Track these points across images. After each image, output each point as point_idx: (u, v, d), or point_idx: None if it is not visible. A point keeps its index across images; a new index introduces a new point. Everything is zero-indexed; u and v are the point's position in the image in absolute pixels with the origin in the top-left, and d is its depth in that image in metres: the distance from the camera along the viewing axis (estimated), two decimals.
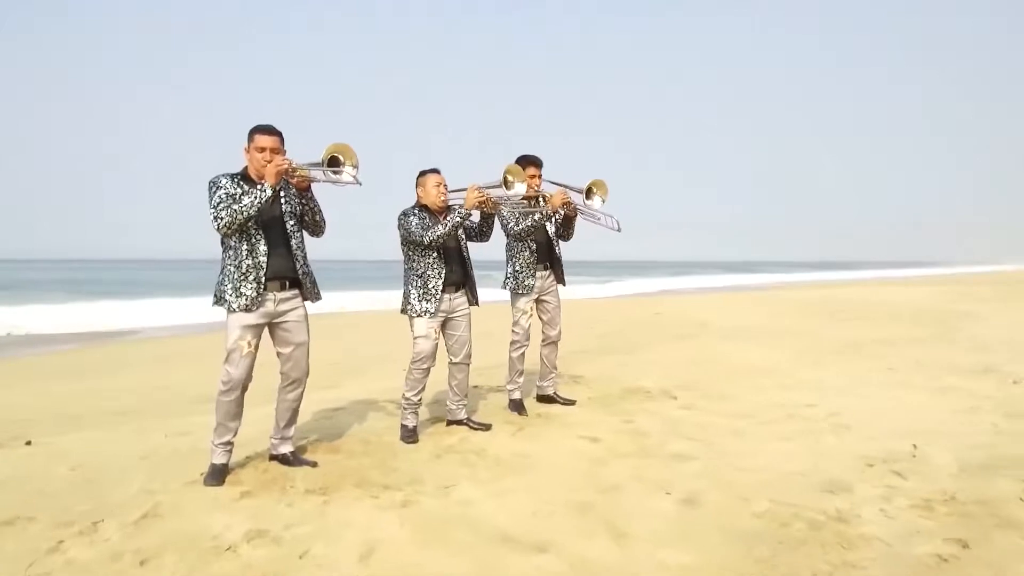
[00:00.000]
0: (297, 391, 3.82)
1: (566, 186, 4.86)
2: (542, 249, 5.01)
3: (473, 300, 4.51)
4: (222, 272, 3.58)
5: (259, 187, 3.44)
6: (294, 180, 3.60)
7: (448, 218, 4.19)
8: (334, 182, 3.55)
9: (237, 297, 3.52)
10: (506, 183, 4.35)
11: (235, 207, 3.40)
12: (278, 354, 3.76)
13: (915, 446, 4.04)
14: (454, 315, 4.40)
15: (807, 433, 4.42)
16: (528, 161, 4.86)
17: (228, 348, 3.55)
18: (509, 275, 4.99)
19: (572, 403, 5.25)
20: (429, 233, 4.17)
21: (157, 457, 4.12)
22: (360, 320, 15.09)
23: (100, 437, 4.82)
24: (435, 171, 4.37)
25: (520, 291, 4.94)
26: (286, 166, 3.48)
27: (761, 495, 3.32)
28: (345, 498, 3.36)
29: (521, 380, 5.08)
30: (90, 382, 7.89)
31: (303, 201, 3.68)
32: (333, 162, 3.54)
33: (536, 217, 4.74)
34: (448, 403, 4.63)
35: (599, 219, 4.90)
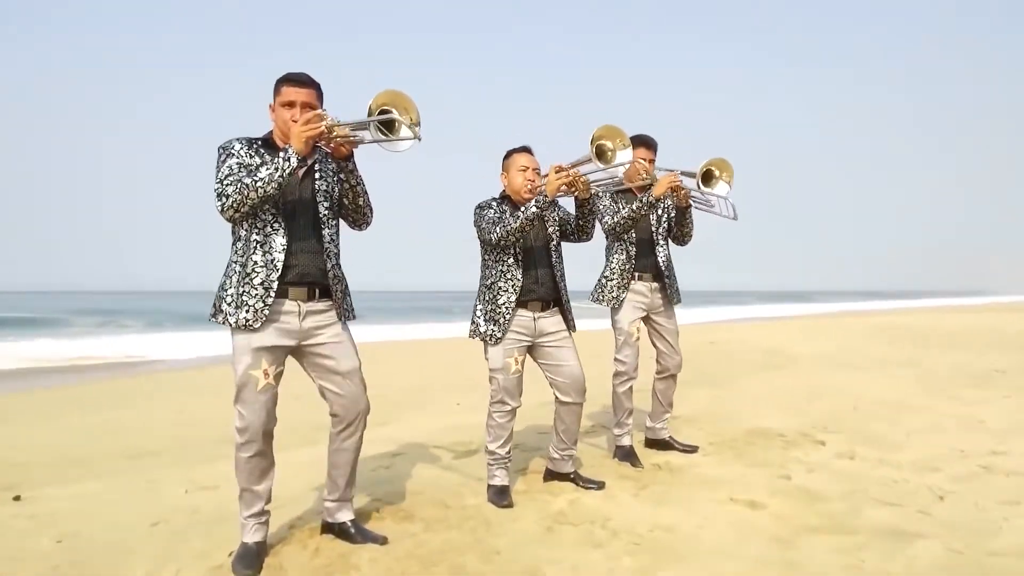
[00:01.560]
0: (355, 437, 2.75)
1: (677, 171, 3.75)
2: (644, 252, 3.93)
3: (568, 323, 3.38)
4: (224, 274, 2.56)
5: (281, 155, 2.40)
6: (331, 144, 2.50)
7: (523, 208, 3.11)
8: (388, 145, 2.43)
9: (238, 308, 2.47)
10: (600, 155, 3.23)
11: (246, 181, 2.38)
12: (322, 391, 2.70)
13: None
14: (546, 340, 3.31)
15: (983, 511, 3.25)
16: (639, 141, 3.81)
17: (236, 382, 2.53)
18: (598, 284, 3.94)
19: (694, 450, 4.13)
20: (498, 227, 3.12)
21: (172, 524, 3.08)
22: (377, 351, 14.07)
23: (104, 490, 3.81)
24: (524, 150, 3.31)
25: (616, 305, 3.88)
26: (321, 125, 2.39)
27: None
28: None
29: (631, 422, 3.97)
30: (101, 417, 6.92)
31: (342, 176, 2.62)
32: (387, 125, 2.43)
33: (635, 206, 3.64)
34: (551, 451, 3.52)
35: (712, 205, 3.79)
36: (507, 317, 3.20)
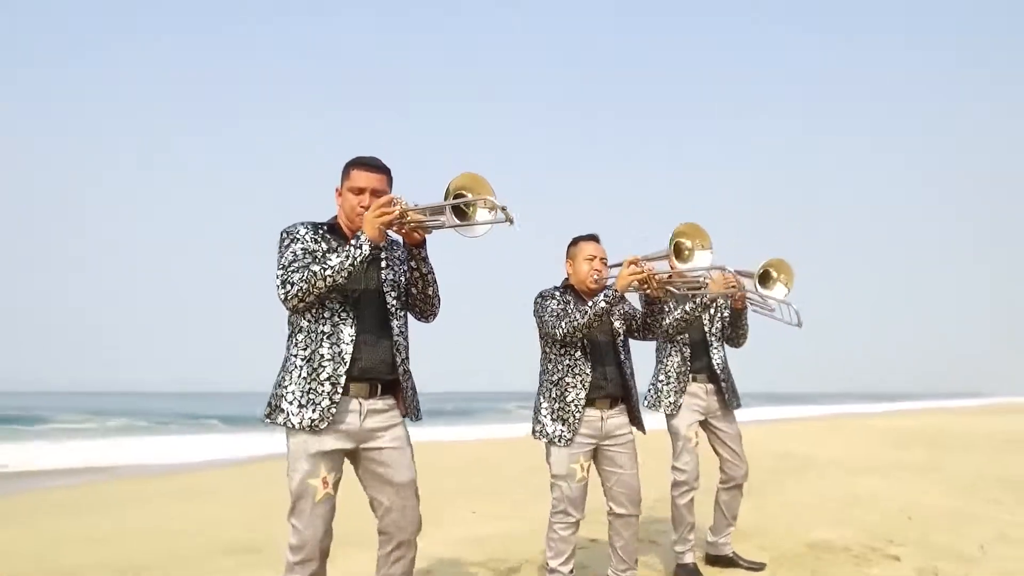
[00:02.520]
0: (406, 559, 2.42)
1: (733, 271, 3.56)
2: (698, 354, 3.72)
3: (637, 423, 3.15)
4: (283, 368, 2.31)
5: (353, 242, 2.22)
6: (404, 231, 2.31)
7: (592, 302, 2.92)
8: (464, 230, 2.23)
9: (302, 407, 2.24)
10: (679, 252, 3.06)
11: (315, 269, 2.19)
12: (372, 503, 2.41)
13: None
14: (611, 443, 3.05)
15: None
16: (583, 238, 3.60)
17: (292, 492, 2.25)
18: (651, 388, 3.71)
19: (761, 567, 3.77)
20: (564, 322, 2.91)
21: None
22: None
23: None
24: (592, 238, 3.15)
25: (672, 411, 3.62)
26: (395, 210, 2.22)
27: None
28: None
29: (692, 537, 3.63)
30: (90, 521, 6.35)
31: (412, 263, 2.42)
32: (457, 212, 2.24)
33: (688, 307, 3.44)
34: (609, 573, 3.16)
35: (772, 310, 3.60)
36: (577, 416, 2.95)
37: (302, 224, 2.36)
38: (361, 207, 2.33)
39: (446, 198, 2.21)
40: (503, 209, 2.13)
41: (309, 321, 2.29)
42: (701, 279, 3.32)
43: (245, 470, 10.79)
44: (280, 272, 2.24)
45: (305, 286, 2.18)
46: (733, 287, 3.43)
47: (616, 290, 2.87)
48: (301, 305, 2.23)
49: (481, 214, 2.22)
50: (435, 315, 2.52)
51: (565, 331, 2.90)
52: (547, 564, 3.00)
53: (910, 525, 4.88)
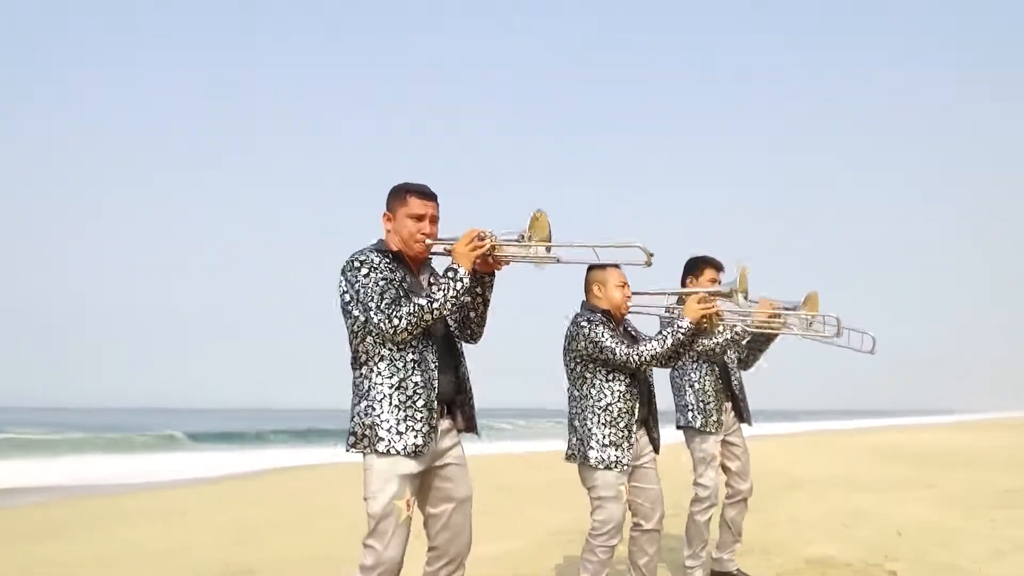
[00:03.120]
0: (458, 575, 2.46)
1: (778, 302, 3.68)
2: (723, 374, 3.82)
3: (655, 444, 3.26)
4: (367, 397, 2.34)
5: (450, 275, 2.32)
6: (490, 262, 2.44)
7: (667, 332, 3.00)
8: (538, 262, 2.40)
9: (401, 434, 2.29)
10: (740, 290, 3.16)
11: (421, 303, 2.28)
12: (427, 520, 2.46)
13: None
14: (641, 462, 3.16)
15: None
16: (706, 263, 3.75)
17: (375, 514, 2.28)
18: (688, 405, 3.74)
19: None
20: (641, 350, 2.96)
21: None
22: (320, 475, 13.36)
23: None
24: (616, 266, 3.21)
25: (708, 428, 3.68)
26: (486, 245, 2.36)
27: None
28: None
29: (705, 555, 3.69)
30: (67, 544, 6.22)
31: (479, 290, 2.51)
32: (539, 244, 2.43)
33: (738, 330, 3.54)
34: None
35: (838, 337, 3.61)
36: (631, 442, 3.04)
37: (371, 252, 2.41)
38: (421, 234, 2.42)
39: (526, 234, 2.40)
40: (649, 255, 2.44)
41: (391, 350, 2.34)
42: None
43: (212, 490, 10.64)
44: (374, 305, 2.28)
45: (415, 320, 2.27)
46: (777, 314, 3.57)
47: (691, 323, 2.97)
48: (410, 338, 2.31)
49: (540, 249, 2.39)
50: (482, 337, 2.62)
51: (643, 359, 2.96)
52: None
53: (906, 541, 4.96)
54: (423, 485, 2.42)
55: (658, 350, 2.95)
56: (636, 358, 2.95)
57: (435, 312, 2.28)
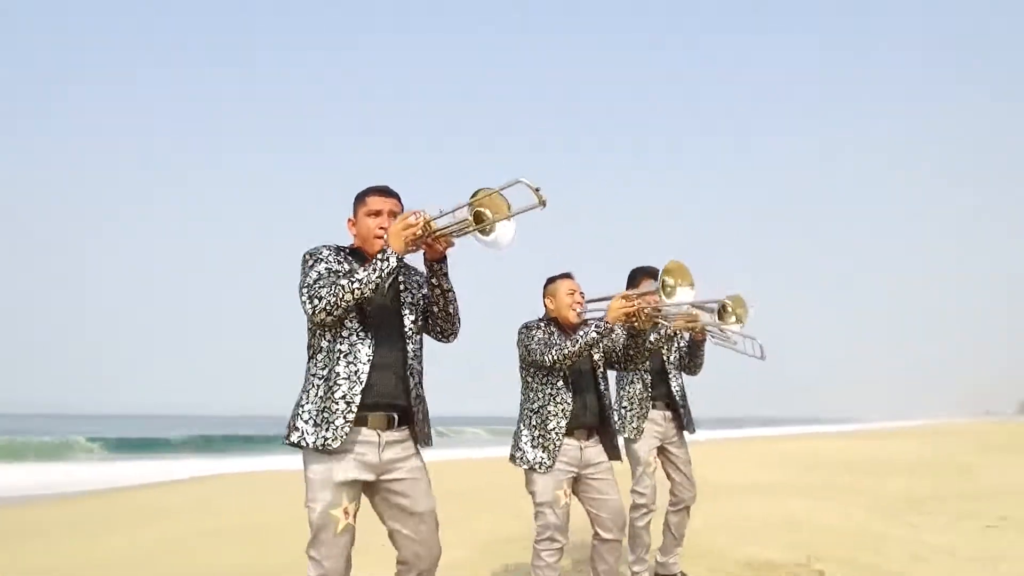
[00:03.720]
0: None
1: (695, 303, 3.78)
2: (658, 382, 3.89)
3: (613, 452, 3.26)
4: (302, 388, 2.31)
5: (379, 255, 2.25)
6: (428, 242, 2.34)
7: (582, 332, 3.03)
8: (488, 240, 2.29)
9: (317, 426, 2.22)
10: (664, 288, 3.24)
11: (342, 282, 2.22)
12: (392, 534, 2.39)
13: None
14: (591, 472, 3.15)
15: None
16: (645, 273, 3.84)
17: (313, 523, 2.21)
18: (620, 413, 3.81)
19: None
20: (553, 350, 3.01)
21: None
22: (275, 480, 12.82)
23: None
24: (568, 276, 3.28)
25: (632, 436, 3.75)
26: (419, 222, 2.26)
27: None
28: None
29: (648, 558, 3.75)
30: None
31: (435, 281, 2.44)
32: (477, 218, 2.30)
33: (653, 337, 3.62)
34: None
35: (735, 344, 3.85)
36: (557, 444, 3.02)
37: (325, 247, 2.39)
38: (380, 228, 2.38)
39: (470, 212, 2.26)
40: (536, 190, 2.14)
41: (328, 341, 2.31)
42: (689, 311, 3.50)
43: (123, 498, 10.08)
44: (305, 289, 2.26)
45: (333, 299, 2.20)
46: (693, 321, 3.63)
47: (608, 322, 3.00)
48: (329, 318, 2.23)
49: (500, 227, 2.27)
50: (456, 334, 2.55)
51: (555, 358, 2.99)
52: None
53: (833, 544, 5.18)
54: (378, 499, 2.36)
55: (570, 349, 2.98)
56: (550, 356, 2.99)
57: (355, 291, 2.21)
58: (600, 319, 3.11)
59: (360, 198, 2.47)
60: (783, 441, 25.16)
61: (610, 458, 3.23)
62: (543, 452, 3.01)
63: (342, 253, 2.40)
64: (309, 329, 2.35)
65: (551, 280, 3.30)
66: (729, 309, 3.58)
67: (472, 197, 2.25)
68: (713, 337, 3.87)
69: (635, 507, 3.72)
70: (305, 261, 2.34)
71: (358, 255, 2.43)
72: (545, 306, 3.27)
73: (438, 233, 2.31)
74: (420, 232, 2.27)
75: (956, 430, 32.87)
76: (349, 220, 2.49)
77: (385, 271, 2.24)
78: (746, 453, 16.93)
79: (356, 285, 2.21)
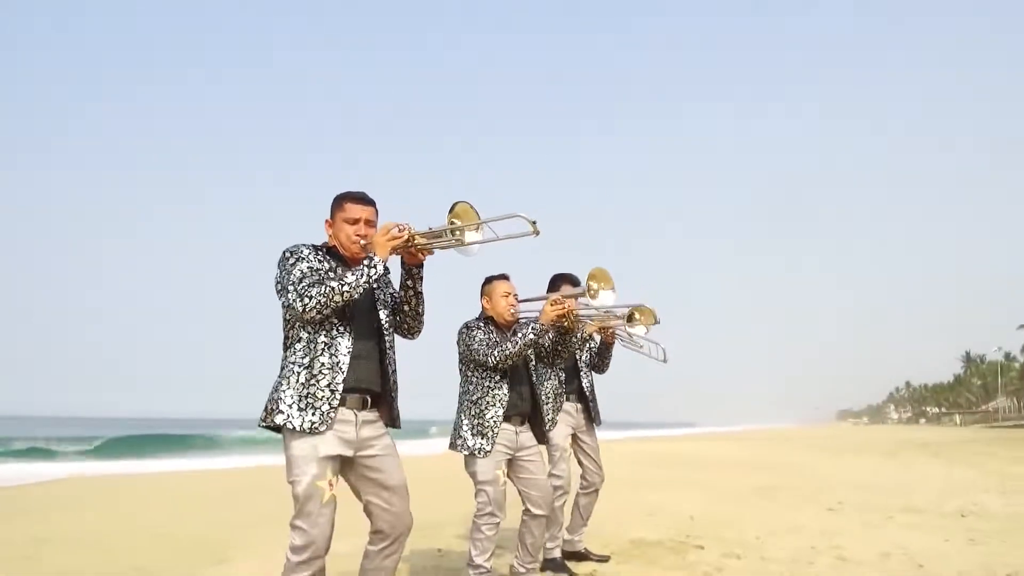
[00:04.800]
0: (396, 555, 2.66)
1: (604, 309, 4.29)
2: (570, 378, 4.35)
3: (541, 437, 3.65)
4: (280, 375, 2.51)
5: (366, 262, 2.51)
6: (411, 251, 2.63)
7: (520, 334, 3.40)
8: (462, 250, 2.64)
9: (302, 410, 2.44)
10: (589, 291, 3.71)
11: (332, 284, 2.43)
12: (367, 506, 2.64)
13: None
14: (524, 455, 3.52)
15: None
16: (564, 279, 4.30)
17: (298, 494, 2.42)
18: None
19: (607, 559, 4.43)
20: (496, 351, 3.36)
21: None
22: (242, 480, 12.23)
23: None
24: (504, 277, 3.61)
25: (550, 427, 4.13)
26: (404, 235, 2.56)
27: None
28: None
29: (560, 535, 4.19)
30: (38, 529, 5.21)
31: (410, 283, 2.73)
32: (453, 232, 2.63)
33: (573, 340, 4.00)
34: (516, 567, 3.58)
35: (641, 347, 4.41)
36: (495, 431, 3.36)
37: (304, 245, 2.58)
38: (357, 235, 2.59)
39: (448, 225, 2.59)
40: (533, 223, 2.50)
41: (309, 333, 2.50)
42: (605, 315, 3.97)
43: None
44: (292, 288, 2.44)
45: (324, 299, 2.41)
46: (606, 326, 4.15)
47: (543, 324, 3.38)
48: (319, 316, 2.44)
49: (470, 235, 2.61)
50: (420, 332, 2.81)
51: (498, 359, 3.32)
52: (471, 561, 3.33)
53: (699, 525, 5.93)
54: (354, 476, 2.59)
55: (511, 350, 3.33)
56: (493, 358, 3.35)
57: (344, 294, 2.43)
58: (533, 319, 3.51)
59: (339, 202, 2.65)
60: (645, 442, 26.86)
61: (539, 442, 3.62)
62: (482, 439, 3.35)
63: (320, 252, 2.59)
64: (287, 320, 2.54)
65: (488, 280, 3.60)
66: (637, 317, 4.15)
67: (450, 212, 2.59)
68: (622, 341, 4.39)
69: (553, 489, 4.14)
70: (286, 259, 2.52)
71: (335, 254, 2.63)
72: (482, 305, 3.61)
73: (420, 246, 2.60)
74: (404, 243, 2.56)
75: (786, 434, 36.44)
76: (327, 221, 2.67)
77: (373, 277, 2.49)
78: (615, 453, 18.02)
79: (346, 288, 2.43)
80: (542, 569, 4.06)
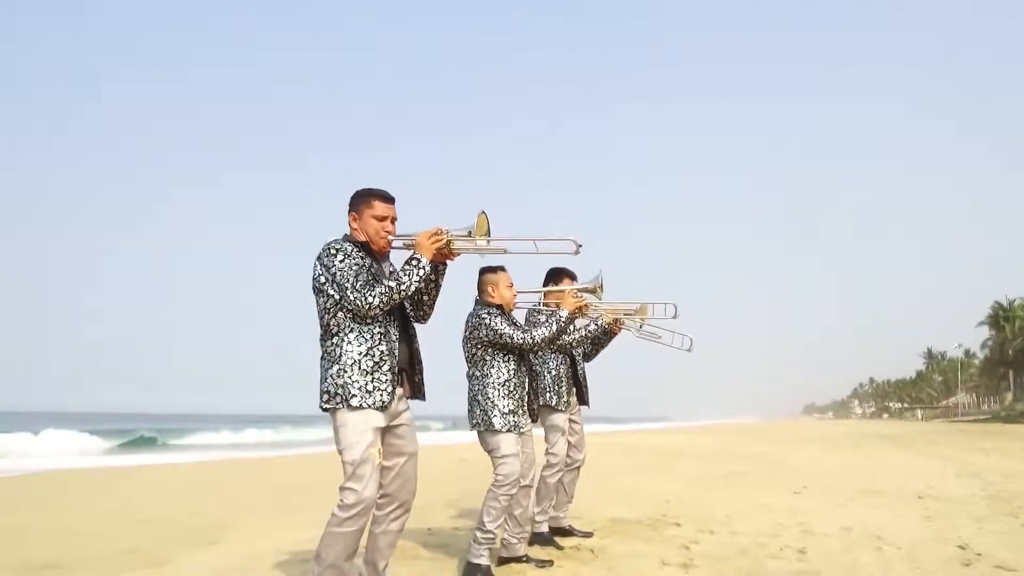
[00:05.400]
0: (403, 518, 2.96)
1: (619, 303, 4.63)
2: (571, 364, 4.64)
3: (533, 417, 3.96)
4: (339, 362, 2.78)
5: (416, 263, 2.83)
6: (444, 252, 2.96)
7: (552, 319, 3.75)
8: (482, 252, 3.06)
9: (369, 392, 2.76)
10: (595, 290, 4.03)
11: (391, 285, 2.78)
12: (382, 470, 2.89)
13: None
14: (526, 432, 3.84)
15: (863, 548, 4.48)
16: (565, 273, 4.58)
17: (354, 460, 2.71)
18: (546, 387, 4.47)
19: (591, 535, 4.74)
20: (535, 333, 3.65)
21: None
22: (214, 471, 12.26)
23: None
24: (503, 269, 3.87)
25: (559, 406, 4.47)
26: (443, 239, 2.89)
27: None
28: None
29: (551, 511, 4.49)
30: (16, 518, 5.32)
31: (433, 277, 3.02)
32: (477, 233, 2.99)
33: (591, 327, 4.40)
34: (506, 537, 3.87)
35: (660, 338, 4.68)
36: (524, 410, 3.70)
37: (344, 241, 2.86)
38: (385, 231, 2.89)
39: (470, 234, 2.94)
40: (579, 246, 3.07)
41: (359, 323, 2.78)
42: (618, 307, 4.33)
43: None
44: (350, 285, 2.74)
45: (386, 299, 2.75)
46: (618, 321, 4.48)
47: (570, 314, 3.74)
48: (380, 313, 2.78)
49: (479, 242, 2.96)
50: (430, 318, 3.12)
51: (536, 341, 3.63)
52: (483, 526, 3.56)
53: (674, 506, 6.28)
54: (382, 441, 2.87)
55: (546, 334, 3.67)
56: (531, 340, 3.64)
57: (402, 293, 2.78)
58: (532, 307, 3.88)
59: (365, 198, 2.90)
60: (618, 435, 27.37)
61: (532, 421, 3.91)
62: (516, 416, 3.64)
63: (358, 247, 2.87)
64: (328, 311, 2.79)
65: (492, 271, 3.80)
66: (635, 314, 4.49)
67: (478, 222, 2.92)
68: (635, 333, 4.67)
69: (548, 465, 4.41)
70: (332, 255, 2.79)
71: (367, 250, 2.91)
72: (488, 293, 3.81)
73: (454, 247, 2.95)
74: (443, 244, 2.89)
75: (753, 428, 37.33)
76: (351, 214, 2.92)
77: (422, 277, 2.83)
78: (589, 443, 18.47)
79: (403, 288, 2.77)
80: (530, 543, 4.35)
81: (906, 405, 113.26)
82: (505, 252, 3.07)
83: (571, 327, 4.06)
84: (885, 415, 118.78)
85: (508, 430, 3.62)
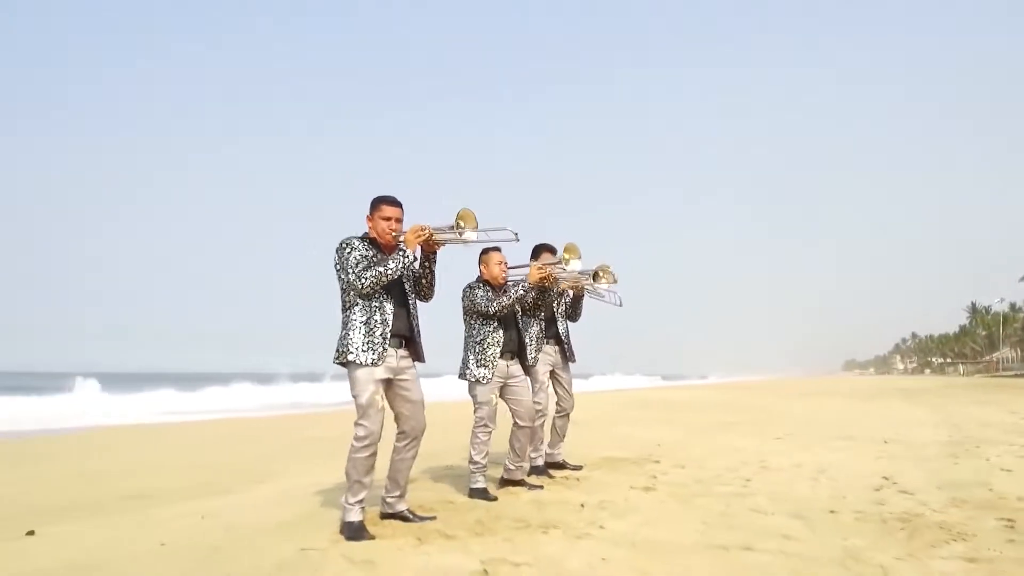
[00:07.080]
0: (415, 449, 4.09)
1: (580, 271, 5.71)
2: (549, 326, 5.76)
3: (526, 369, 5.10)
4: (347, 327, 3.86)
5: (401, 253, 3.86)
6: (429, 243, 4.02)
7: (512, 291, 4.82)
8: (463, 243, 4.04)
9: (366, 351, 3.81)
10: (564, 260, 5.12)
11: (380, 269, 3.79)
12: (397, 415, 4.05)
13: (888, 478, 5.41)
14: (513, 382, 4.94)
15: (802, 479, 5.62)
16: (545, 248, 5.67)
17: (362, 404, 3.80)
18: (525, 347, 5.60)
19: (580, 468, 5.94)
20: (495, 303, 4.75)
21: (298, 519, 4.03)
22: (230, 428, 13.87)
23: (156, 517, 4.41)
24: (498, 249, 4.95)
25: (534, 363, 5.50)
26: (425, 233, 3.95)
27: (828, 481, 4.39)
28: (530, 533, 3.78)
29: (542, 448, 5.67)
30: (93, 464, 6.92)
31: (427, 264, 4.09)
32: (457, 227, 4.01)
33: (550, 295, 5.51)
34: (507, 463, 5.08)
35: (603, 296, 5.83)
36: (494, 364, 4.79)
37: (354, 238, 3.91)
38: (391, 230, 3.93)
39: (455, 224, 3.97)
40: (515, 234, 4.10)
41: (363, 299, 3.86)
42: (577, 275, 5.41)
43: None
44: (352, 272, 3.79)
45: (375, 280, 3.78)
46: (577, 283, 5.57)
47: (530, 284, 4.83)
48: (372, 292, 3.81)
49: (469, 235, 4.01)
50: (432, 298, 4.20)
51: (496, 308, 4.73)
52: (472, 459, 4.77)
53: (663, 449, 7.45)
54: (391, 393, 3.97)
55: (505, 303, 4.74)
56: (492, 308, 4.74)
57: (388, 276, 3.77)
58: (519, 281, 4.92)
59: (377, 204, 3.93)
60: (637, 391, 28.69)
61: (524, 373, 5.07)
62: (484, 370, 4.76)
63: (364, 242, 3.92)
64: (344, 290, 3.89)
65: (486, 251, 4.91)
66: (600, 275, 5.56)
67: (457, 216, 3.97)
68: (588, 294, 5.80)
69: (535, 410, 5.60)
70: (343, 248, 3.83)
71: (375, 244, 3.96)
72: (480, 271, 4.98)
73: (435, 239, 4.01)
74: (426, 237, 3.94)
75: (776, 384, 38.25)
76: (368, 216, 3.96)
77: (406, 264, 3.87)
78: (602, 400, 19.72)
79: (390, 272, 3.78)
80: (528, 474, 5.56)
81: (948, 360, 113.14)
82: (467, 243, 4.04)
83: (532, 293, 5.07)
84: (927, 370, 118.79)
85: (477, 381, 4.76)
